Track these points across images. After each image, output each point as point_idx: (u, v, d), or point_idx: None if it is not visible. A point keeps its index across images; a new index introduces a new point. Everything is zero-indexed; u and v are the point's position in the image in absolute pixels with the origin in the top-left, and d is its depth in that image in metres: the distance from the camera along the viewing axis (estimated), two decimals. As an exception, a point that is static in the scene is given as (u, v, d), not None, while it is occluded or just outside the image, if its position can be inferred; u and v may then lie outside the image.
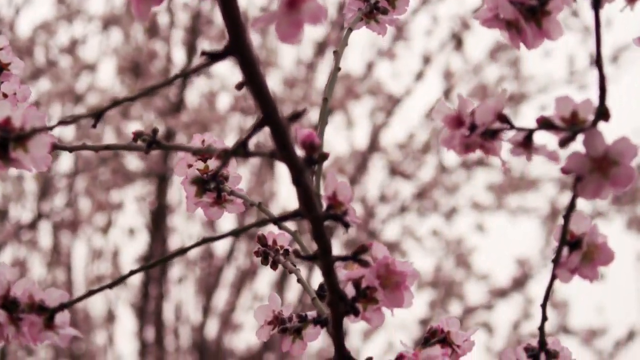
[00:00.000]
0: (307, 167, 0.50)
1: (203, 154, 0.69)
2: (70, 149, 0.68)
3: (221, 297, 3.88)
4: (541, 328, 0.58)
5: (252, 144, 0.50)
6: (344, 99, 3.75)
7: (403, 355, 0.58)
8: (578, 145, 0.51)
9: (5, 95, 0.70)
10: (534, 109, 3.91)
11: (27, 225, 3.63)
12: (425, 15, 3.89)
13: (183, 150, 0.68)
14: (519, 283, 4.06)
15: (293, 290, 3.77)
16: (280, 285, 3.69)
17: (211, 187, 0.70)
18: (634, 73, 3.85)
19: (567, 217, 0.54)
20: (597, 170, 0.51)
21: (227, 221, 4.08)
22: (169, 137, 3.58)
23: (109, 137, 3.64)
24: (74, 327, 0.59)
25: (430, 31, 3.86)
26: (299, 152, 0.50)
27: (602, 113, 0.51)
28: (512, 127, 0.54)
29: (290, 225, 0.72)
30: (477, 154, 0.55)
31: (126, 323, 3.86)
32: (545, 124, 0.52)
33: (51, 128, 0.54)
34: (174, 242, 3.87)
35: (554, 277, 0.55)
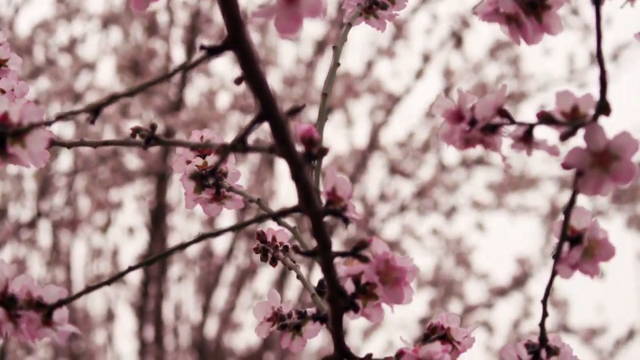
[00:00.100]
0: (306, 162, 0.50)
1: (202, 149, 0.69)
2: (69, 145, 0.67)
3: (221, 296, 3.88)
4: (542, 324, 0.58)
5: (251, 139, 0.49)
6: (343, 98, 3.74)
7: (403, 351, 0.57)
8: (579, 140, 0.51)
9: (3, 92, 0.70)
10: (534, 108, 3.91)
11: (27, 224, 3.63)
12: (425, 13, 3.90)
13: (181, 146, 0.68)
14: (519, 282, 4.06)
15: (293, 290, 3.77)
16: (280, 284, 3.68)
17: (210, 183, 0.70)
18: (634, 71, 3.84)
19: (567, 213, 0.53)
20: (598, 165, 0.50)
21: (227, 219, 4.08)
22: (169, 135, 3.57)
23: (108, 136, 3.64)
24: (73, 326, 0.59)
25: (430, 30, 3.86)
26: (298, 147, 0.50)
27: (603, 107, 0.51)
28: (512, 122, 0.54)
29: (290, 221, 0.71)
30: (478, 151, 0.55)
31: (126, 322, 3.86)
32: (545, 118, 0.52)
33: (49, 123, 0.54)
34: (173, 241, 3.87)
35: (554, 273, 0.54)
